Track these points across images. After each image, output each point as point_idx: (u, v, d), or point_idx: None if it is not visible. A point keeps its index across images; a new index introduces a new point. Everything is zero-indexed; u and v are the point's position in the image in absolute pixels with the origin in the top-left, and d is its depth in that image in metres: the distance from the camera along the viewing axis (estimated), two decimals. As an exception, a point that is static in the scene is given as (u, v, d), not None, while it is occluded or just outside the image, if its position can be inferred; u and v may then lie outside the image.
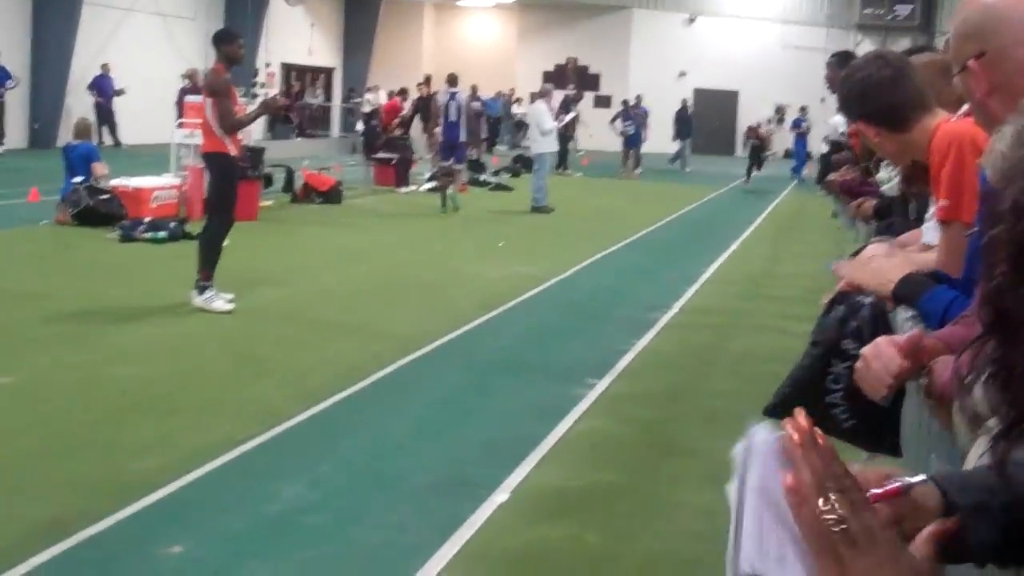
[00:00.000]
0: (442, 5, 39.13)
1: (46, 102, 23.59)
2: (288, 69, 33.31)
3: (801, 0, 37.18)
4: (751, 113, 32.28)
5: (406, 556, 4.07)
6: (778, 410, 2.46)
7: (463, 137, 18.45)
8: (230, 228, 8.49)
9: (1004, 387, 1.06)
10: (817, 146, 20.78)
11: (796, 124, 27.78)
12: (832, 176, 7.28)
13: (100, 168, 12.72)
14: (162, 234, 11.54)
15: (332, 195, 16.46)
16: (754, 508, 1.02)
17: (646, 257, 12.78)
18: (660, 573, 4.16)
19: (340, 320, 8.33)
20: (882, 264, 2.59)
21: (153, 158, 16.85)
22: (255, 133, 18.81)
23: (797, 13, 37.19)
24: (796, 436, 1.01)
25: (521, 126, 32.04)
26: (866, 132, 2.94)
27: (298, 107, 30.94)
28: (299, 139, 29.18)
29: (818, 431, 1.02)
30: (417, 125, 21.64)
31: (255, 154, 14.50)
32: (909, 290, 2.45)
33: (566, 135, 24.90)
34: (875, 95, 2.82)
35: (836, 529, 0.95)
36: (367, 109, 23.68)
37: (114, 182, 12.86)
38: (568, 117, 23.99)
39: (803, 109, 28.23)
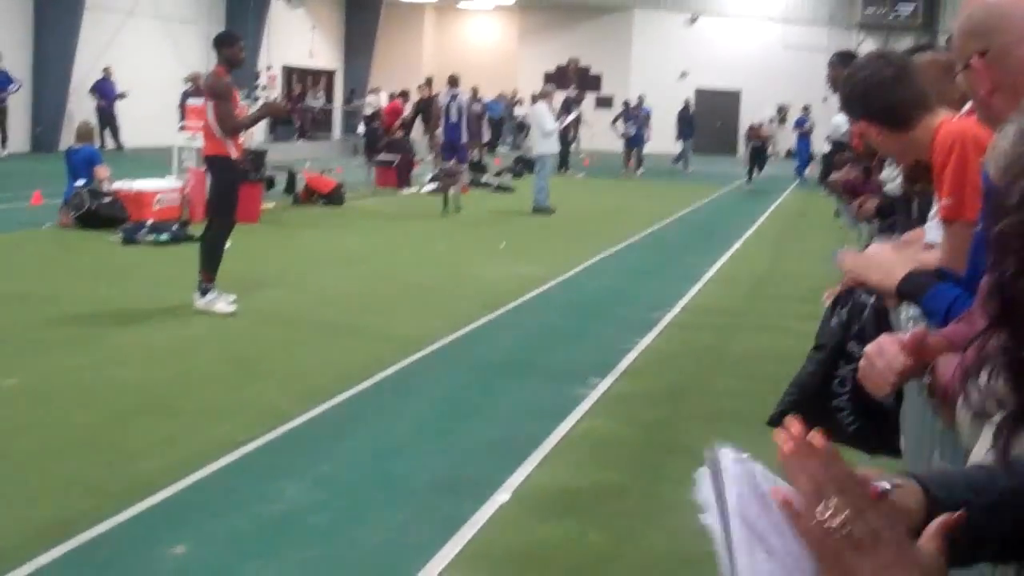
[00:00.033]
0: (443, 7, 39.13)
1: (48, 106, 23.61)
2: (289, 71, 33.34)
3: (803, -1, 37.24)
4: (753, 113, 32.24)
5: (408, 556, 4.07)
6: (783, 419, 2.46)
7: (464, 138, 18.45)
8: (231, 230, 8.49)
9: (1013, 378, 1.06)
10: (820, 146, 20.78)
11: (799, 124, 27.73)
12: (834, 176, 7.28)
13: (102, 171, 12.74)
14: (164, 237, 11.55)
15: (334, 197, 16.48)
16: (742, 538, 1.01)
17: (648, 257, 12.78)
18: (663, 572, 4.16)
19: (342, 321, 8.34)
20: (887, 259, 2.59)
21: (155, 161, 16.86)
22: (257, 136, 18.85)
23: (799, 12, 37.19)
24: (789, 446, 1.00)
25: (523, 127, 32.03)
26: (868, 131, 2.94)
27: (299, 109, 30.95)
28: (300, 141, 29.21)
29: (815, 433, 1.01)
30: (418, 127, 21.64)
31: (257, 157, 14.51)
32: (913, 287, 2.44)
33: (567, 136, 24.88)
34: (877, 94, 2.82)
35: (839, 534, 0.94)
36: (368, 111, 23.70)
37: (116, 185, 12.88)
38: (569, 118, 23.98)
39: (806, 108, 28.20)
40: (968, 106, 2.84)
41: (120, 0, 25.46)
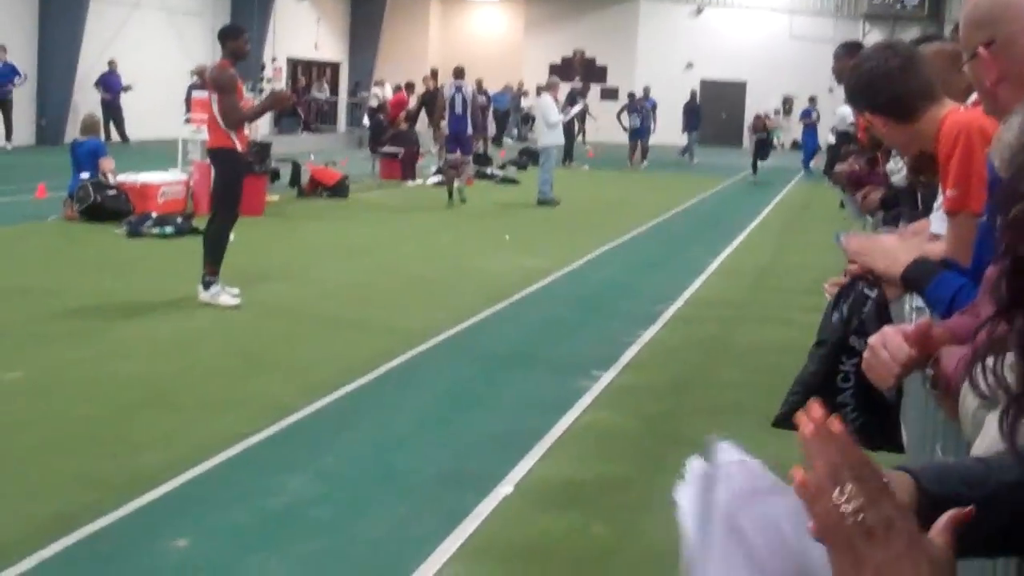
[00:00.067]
0: (448, -1, 39.14)
1: (53, 99, 23.62)
2: (294, 64, 33.32)
3: (809, -11, 37.13)
4: (759, 104, 32.19)
5: (411, 549, 4.06)
6: (788, 420, 2.44)
7: (469, 130, 18.43)
8: (235, 223, 8.48)
9: None
10: (826, 137, 20.74)
11: (805, 115, 27.65)
12: (839, 167, 7.26)
13: (107, 163, 12.74)
14: (169, 229, 11.55)
15: (339, 189, 16.47)
16: (722, 541, 1.00)
17: (652, 249, 12.76)
18: (666, 564, 4.13)
19: (345, 314, 8.33)
20: (892, 245, 2.57)
21: (160, 154, 16.86)
22: (262, 128, 18.85)
23: (805, 3, 37.08)
24: (810, 428, 1.00)
25: (528, 119, 32.01)
26: (874, 123, 2.92)
27: (304, 102, 30.94)
28: (305, 134, 29.20)
29: (834, 419, 1.00)
30: (423, 119, 21.63)
31: (262, 149, 14.50)
32: (918, 274, 2.42)
33: (572, 129, 24.83)
34: (883, 85, 2.80)
35: (851, 520, 0.93)
36: (373, 103, 23.68)
37: (121, 178, 12.89)
38: (575, 110, 23.94)
39: (812, 99, 28.12)
40: (973, 97, 2.82)
41: (125, -8, 25.50)
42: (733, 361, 7.32)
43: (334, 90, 35.30)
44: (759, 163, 24.33)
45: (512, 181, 20.19)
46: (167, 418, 5.54)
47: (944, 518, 1.03)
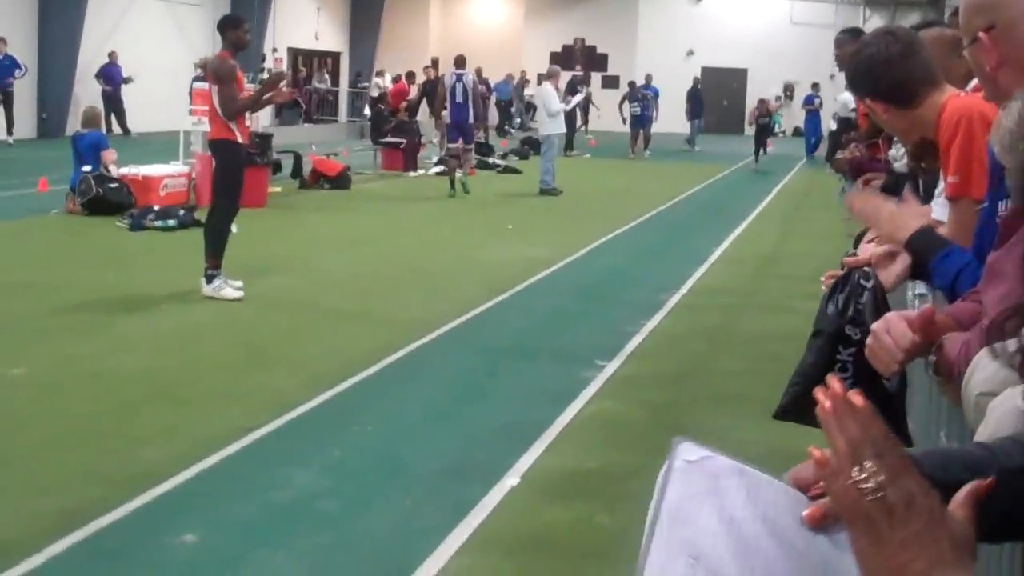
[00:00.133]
0: (448, -12, 39.04)
1: (54, 92, 23.62)
2: (295, 54, 33.27)
3: (809, -24, 36.99)
4: (760, 91, 32.11)
5: (418, 541, 4.07)
6: (789, 411, 2.44)
7: (471, 119, 18.41)
8: (235, 215, 8.47)
9: None
10: (829, 123, 20.68)
11: (808, 101, 27.56)
12: (840, 154, 7.24)
13: (109, 155, 12.74)
14: (172, 222, 11.55)
15: (340, 180, 16.46)
16: (664, 536, 1.00)
17: (655, 238, 12.75)
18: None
19: (349, 306, 8.33)
20: (899, 211, 2.55)
21: (162, 146, 16.85)
22: (263, 120, 18.82)
23: (805, -11, 36.98)
24: (829, 404, 0.99)
25: (530, 108, 31.98)
26: (875, 109, 2.91)
27: (305, 92, 30.90)
28: (307, 125, 29.17)
29: (855, 393, 0.99)
30: (424, 109, 21.61)
31: (263, 140, 14.50)
32: (924, 244, 2.41)
33: (573, 119, 24.77)
34: (884, 72, 2.79)
35: (871, 498, 0.93)
36: (374, 93, 23.65)
37: (123, 170, 12.89)
38: (576, 99, 23.89)
39: (815, 86, 28.05)
40: (974, 83, 2.81)
41: (125, -16, 25.47)
42: (736, 349, 7.31)
43: (335, 80, 35.25)
44: (763, 153, 24.25)
45: (514, 171, 20.16)
46: (171, 412, 5.54)
47: (963, 492, 1.02)
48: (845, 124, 14.87)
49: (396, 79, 25.07)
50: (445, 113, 16.67)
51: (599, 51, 38.04)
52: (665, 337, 7.56)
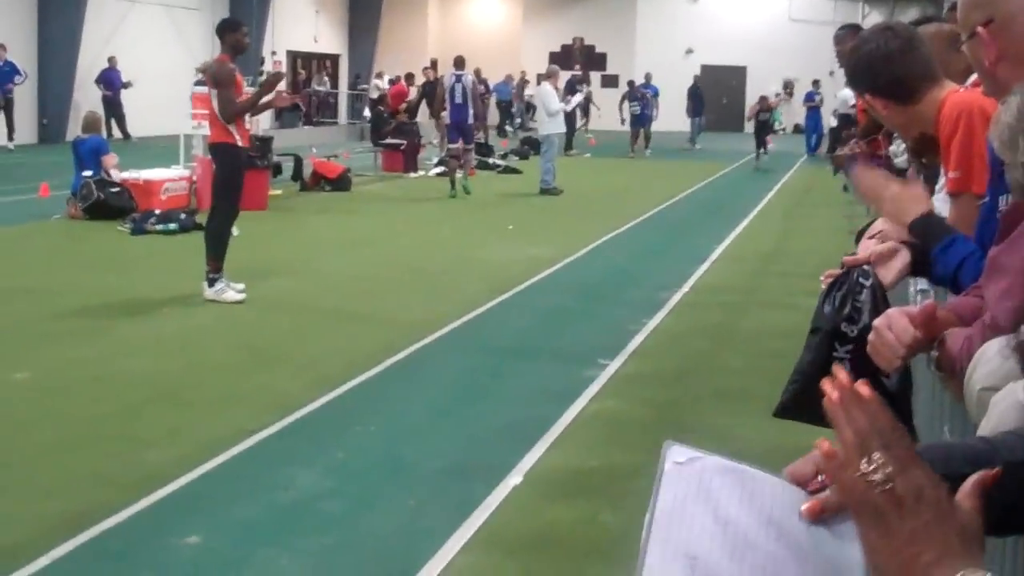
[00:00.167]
0: (447, -11, 39.04)
1: (54, 97, 23.63)
2: (294, 56, 33.29)
3: (808, -28, 36.96)
4: (760, 88, 32.09)
5: (421, 540, 4.07)
6: (789, 409, 2.44)
7: (470, 120, 18.43)
8: (235, 217, 8.48)
9: None
10: (828, 120, 20.69)
11: (809, 98, 27.53)
12: (840, 150, 7.25)
13: (110, 160, 12.75)
14: (173, 226, 11.56)
15: (341, 182, 16.48)
16: (660, 538, 1.00)
17: (656, 237, 12.75)
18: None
19: (351, 307, 8.34)
20: (904, 194, 2.55)
21: (163, 150, 16.86)
22: (263, 123, 18.83)
23: (804, -15, 36.96)
24: (836, 395, 0.99)
25: (531, 108, 31.98)
26: (874, 105, 2.91)
27: (305, 95, 30.91)
28: (306, 127, 29.19)
29: (862, 383, 0.99)
30: (424, 110, 21.61)
31: (263, 143, 14.51)
32: (928, 229, 2.41)
33: (573, 119, 24.76)
34: (883, 68, 2.78)
35: (880, 490, 0.93)
36: (374, 95, 23.66)
37: (124, 175, 12.90)
38: (576, 99, 23.88)
39: (815, 83, 28.01)
40: (973, 78, 2.81)
41: (123, -12, 25.48)
42: (738, 347, 7.32)
43: (334, 83, 35.26)
44: (763, 150, 24.20)
45: (514, 171, 20.16)
46: (174, 415, 5.55)
47: (970, 482, 1.02)
48: (845, 120, 14.88)
49: (395, 80, 25.08)
50: (445, 114, 16.69)
51: (598, 50, 38.03)
52: (667, 335, 7.57)
